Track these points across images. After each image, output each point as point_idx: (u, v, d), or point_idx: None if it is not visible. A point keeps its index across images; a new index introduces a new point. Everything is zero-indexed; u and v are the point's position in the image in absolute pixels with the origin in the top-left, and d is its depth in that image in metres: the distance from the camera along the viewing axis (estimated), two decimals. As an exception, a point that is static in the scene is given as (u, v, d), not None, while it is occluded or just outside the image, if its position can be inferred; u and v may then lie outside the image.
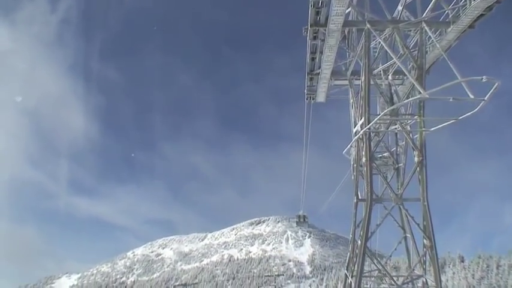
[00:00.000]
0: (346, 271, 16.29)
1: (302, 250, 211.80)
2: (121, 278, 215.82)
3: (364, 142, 14.03)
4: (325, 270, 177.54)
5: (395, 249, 16.87)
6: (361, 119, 14.80)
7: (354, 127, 16.42)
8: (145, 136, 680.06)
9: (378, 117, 13.02)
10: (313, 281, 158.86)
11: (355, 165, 16.46)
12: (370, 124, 13.36)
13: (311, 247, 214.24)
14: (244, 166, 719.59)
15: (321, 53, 16.07)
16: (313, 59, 16.86)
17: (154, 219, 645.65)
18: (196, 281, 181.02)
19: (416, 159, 14.16)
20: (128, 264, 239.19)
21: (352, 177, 17.69)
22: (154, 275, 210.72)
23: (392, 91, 16.93)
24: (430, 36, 14.68)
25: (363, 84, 13.96)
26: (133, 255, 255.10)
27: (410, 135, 14.90)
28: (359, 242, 14.11)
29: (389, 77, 17.29)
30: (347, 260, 16.45)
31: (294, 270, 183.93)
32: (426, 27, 13.97)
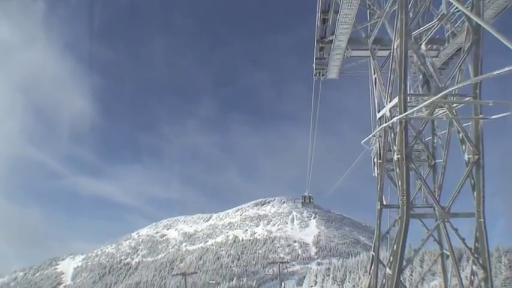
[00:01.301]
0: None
1: (307, 231, 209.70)
2: (125, 259, 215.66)
3: (398, 133, 10.02)
4: (330, 251, 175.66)
5: (430, 269, 13.05)
6: (390, 100, 10.84)
7: (378, 111, 12.46)
8: (145, 117, 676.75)
9: (434, 98, 8.85)
10: (319, 262, 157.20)
11: (379, 160, 12.54)
12: (417, 108, 9.36)
13: (316, 228, 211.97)
14: (245, 147, 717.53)
15: (336, 12, 12.06)
16: (324, 20, 12.82)
17: (159, 199, 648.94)
18: (201, 262, 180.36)
19: (468, 156, 10.20)
20: (132, 245, 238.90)
21: (374, 175, 13.82)
22: (159, 256, 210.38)
23: (428, 64, 12.90)
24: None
25: (397, 52, 9.90)
26: (138, 236, 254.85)
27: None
28: (387, 270, 10.31)
29: (423, 47, 13.26)
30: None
31: (299, 252, 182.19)
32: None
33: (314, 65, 15.22)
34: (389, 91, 10.79)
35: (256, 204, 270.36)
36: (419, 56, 11.03)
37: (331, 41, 13.49)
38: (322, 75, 15.67)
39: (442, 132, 12.39)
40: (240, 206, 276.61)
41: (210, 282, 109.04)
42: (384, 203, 12.25)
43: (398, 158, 9.83)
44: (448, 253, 12.24)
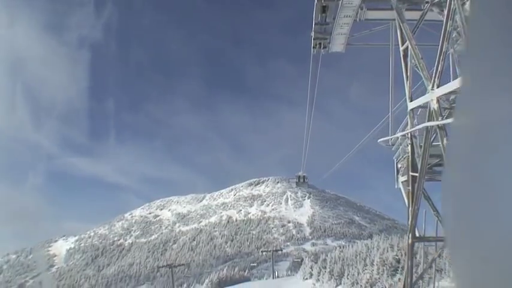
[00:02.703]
0: None
1: (302, 211, 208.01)
2: (118, 240, 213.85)
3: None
4: (325, 231, 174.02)
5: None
6: (438, 84, 6.78)
7: (411, 99, 8.41)
8: (132, 97, 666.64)
9: None
10: (313, 243, 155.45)
11: (412, 173, 8.53)
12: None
13: (311, 208, 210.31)
14: (235, 126, 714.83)
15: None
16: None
17: (151, 179, 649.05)
18: (195, 242, 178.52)
19: None
20: (125, 226, 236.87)
21: (398, 187, 9.87)
22: (152, 237, 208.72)
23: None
24: None
25: (458, 2, 5.82)
26: (131, 216, 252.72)
27: None
28: None
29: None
30: None
31: (294, 232, 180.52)
32: None
33: (313, 33, 11.06)
34: (439, 69, 6.73)
35: (250, 184, 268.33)
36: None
37: (338, -3, 9.39)
38: (324, 47, 11.50)
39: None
40: (233, 186, 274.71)
41: (187, 276, 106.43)
42: (417, 234, 8.32)
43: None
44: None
